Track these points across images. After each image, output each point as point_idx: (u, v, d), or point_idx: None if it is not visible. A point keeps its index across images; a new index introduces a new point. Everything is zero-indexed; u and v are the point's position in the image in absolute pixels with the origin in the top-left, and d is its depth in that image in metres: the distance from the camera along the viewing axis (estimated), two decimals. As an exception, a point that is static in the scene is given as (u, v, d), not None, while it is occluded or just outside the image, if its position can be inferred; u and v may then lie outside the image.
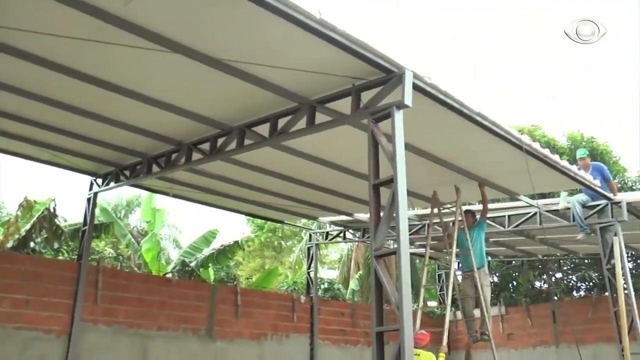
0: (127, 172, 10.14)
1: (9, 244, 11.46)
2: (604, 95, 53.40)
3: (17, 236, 11.57)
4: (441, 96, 6.62)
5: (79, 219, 13.28)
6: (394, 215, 5.80)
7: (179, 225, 24.74)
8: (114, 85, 7.17)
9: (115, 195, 25.30)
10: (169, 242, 21.34)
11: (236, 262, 22.52)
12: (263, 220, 27.27)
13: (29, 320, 9.42)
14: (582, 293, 17.75)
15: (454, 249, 9.39)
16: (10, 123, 8.56)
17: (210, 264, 13.86)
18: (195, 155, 8.80)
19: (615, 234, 9.96)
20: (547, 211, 10.80)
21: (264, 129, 7.77)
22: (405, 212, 5.74)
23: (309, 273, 14.34)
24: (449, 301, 9.00)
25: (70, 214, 14.48)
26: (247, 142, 8.03)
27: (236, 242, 14.44)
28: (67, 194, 25.35)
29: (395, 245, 5.63)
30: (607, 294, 10.47)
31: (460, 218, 9.63)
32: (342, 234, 14.22)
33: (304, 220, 16.43)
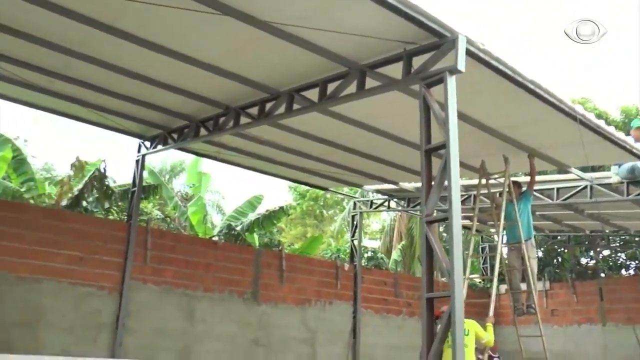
0: (174, 135, 10.27)
1: (63, 202, 11.81)
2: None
3: (70, 195, 11.90)
4: (494, 62, 6.47)
5: (127, 181, 13.60)
6: (445, 182, 5.76)
7: (222, 191, 25.08)
8: (163, 47, 7.23)
9: (160, 160, 25.72)
10: (212, 207, 21.64)
11: (278, 229, 22.75)
12: (305, 189, 27.52)
13: (83, 277, 9.75)
14: (631, 272, 17.38)
15: (502, 220, 9.25)
16: (61, 84, 8.73)
17: (255, 229, 14.03)
18: (243, 120, 8.84)
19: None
20: (599, 185, 10.53)
21: (312, 94, 7.74)
22: (457, 177, 5.68)
23: (352, 241, 14.38)
24: (496, 272, 8.89)
25: (119, 176, 14.83)
26: (295, 106, 8.03)
27: (281, 208, 14.56)
28: (115, 156, 25.98)
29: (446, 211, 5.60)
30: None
31: (508, 189, 9.47)
32: (386, 203, 14.17)
33: (346, 189, 16.45)
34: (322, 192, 28.45)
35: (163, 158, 25.87)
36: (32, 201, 12.09)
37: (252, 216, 14.36)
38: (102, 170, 11.84)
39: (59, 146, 39.83)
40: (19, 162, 12.61)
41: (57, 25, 6.90)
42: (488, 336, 7.65)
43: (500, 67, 6.56)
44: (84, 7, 6.49)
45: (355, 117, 8.78)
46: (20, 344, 8.93)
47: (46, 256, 9.50)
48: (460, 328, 5.26)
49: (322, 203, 30.79)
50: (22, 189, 12.49)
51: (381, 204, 14.33)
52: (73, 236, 9.83)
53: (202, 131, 9.61)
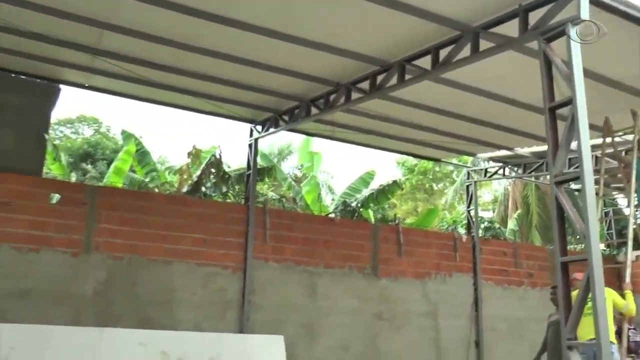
0: (285, 117, 10.43)
1: (184, 189, 12.38)
2: None
3: (189, 182, 12.45)
4: (622, 7, 6.04)
5: (240, 165, 14.05)
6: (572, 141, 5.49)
7: (330, 171, 25.27)
8: (271, 30, 7.35)
9: (267, 145, 26.22)
10: (321, 187, 21.85)
11: (390, 205, 22.66)
12: (413, 163, 27.24)
13: (208, 257, 10.19)
14: None
15: (633, 179, 8.70)
16: (174, 77, 9.13)
17: (370, 204, 14.05)
18: (354, 95, 8.83)
19: None
20: None
21: (424, 62, 7.60)
22: (587, 133, 5.38)
23: (468, 211, 14.07)
24: (630, 234, 8.39)
25: (231, 161, 15.29)
26: (407, 77, 7.91)
27: (395, 182, 14.49)
28: (225, 142, 26.80)
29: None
30: None
31: (638, 145, 8.86)
32: (501, 171, 13.75)
33: (457, 159, 16.10)
34: (431, 165, 28.14)
35: (270, 143, 26.42)
36: (156, 190, 12.75)
37: (365, 192, 14.40)
38: (218, 156, 12.28)
39: (168, 136, 41.63)
40: (141, 155, 13.38)
41: (166, 20, 7.20)
42: (628, 304, 7.20)
43: (630, 11, 6.10)
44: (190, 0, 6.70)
45: (467, 82, 8.55)
46: (158, 320, 9.50)
47: (173, 240, 10.00)
48: (600, 292, 5.00)
49: (431, 177, 30.37)
50: (147, 179, 13.25)
51: (495, 172, 13.91)
52: (196, 220, 10.27)
53: (313, 110, 9.70)
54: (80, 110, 29.79)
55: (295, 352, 10.15)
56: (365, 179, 14.63)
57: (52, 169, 13.03)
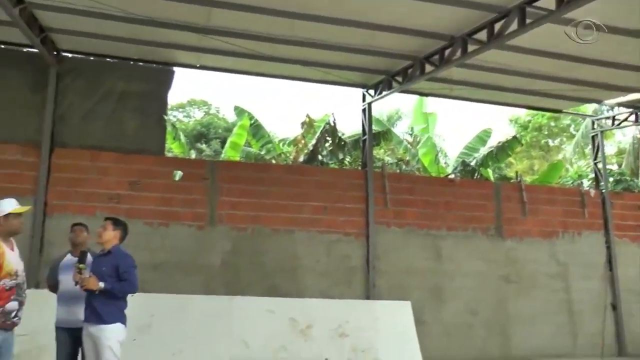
0: (398, 78, 10.15)
1: (300, 159, 12.44)
2: None
3: (305, 151, 12.48)
4: None
5: (354, 132, 13.91)
6: None
7: (441, 133, 24.59)
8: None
9: (377, 112, 25.90)
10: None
11: (506, 164, 21.80)
12: (526, 119, 25.99)
13: (330, 225, 10.22)
14: None
15: None
16: (283, 47, 9.13)
17: (489, 162, 13.48)
18: (471, 47, 8.42)
19: None
20: None
21: (547, 3, 7.06)
22: None
23: (595, 164, 13.19)
24: None
25: (343, 129, 15.15)
26: (528, 21, 7.39)
27: (514, 137, 13.87)
28: (334, 111, 26.81)
29: None
30: None
31: None
32: (632, 117, 12.67)
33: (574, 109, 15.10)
34: (545, 121, 26.76)
35: (379, 110, 26.07)
36: (273, 161, 12.91)
37: (483, 150, 13.84)
38: (332, 123, 12.20)
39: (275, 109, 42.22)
40: (256, 128, 13.58)
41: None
42: None
43: None
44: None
45: (594, 19, 7.84)
46: (284, 288, 9.68)
47: (294, 209, 10.11)
48: None
49: (546, 132, 28.89)
50: (262, 152, 13.42)
51: (625, 119, 12.87)
52: (315, 188, 10.30)
53: (427, 68, 9.36)
54: (190, 95, 30.87)
55: (423, 317, 10.00)
56: (482, 137, 14.05)
57: (173, 148, 13.50)
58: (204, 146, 21.66)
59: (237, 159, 12.99)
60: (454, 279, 10.73)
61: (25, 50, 9.53)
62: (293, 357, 8.61)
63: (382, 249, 10.39)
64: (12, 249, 4.67)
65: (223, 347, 8.51)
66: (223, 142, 20.60)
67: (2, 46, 9.54)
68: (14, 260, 4.61)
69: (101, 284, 4.83)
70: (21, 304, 4.61)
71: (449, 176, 13.05)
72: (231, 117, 26.17)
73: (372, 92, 11.07)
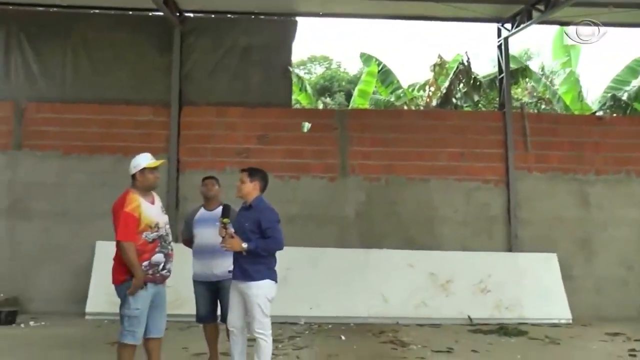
0: (539, 6, 9.18)
1: (433, 103, 11.83)
2: None
3: (438, 94, 11.85)
4: None
5: (487, 72, 13.00)
6: None
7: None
8: None
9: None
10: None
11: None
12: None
13: (467, 172, 9.64)
14: None
15: None
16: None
17: (645, 95, 12.03)
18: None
19: None
20: None
21: None
22: None
23: None
24: None
25: (476, 70, 14.20)
26: None
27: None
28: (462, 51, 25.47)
29: None
30: None
31: None
32: None
33: None
34: None
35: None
36: (405, 107, 12.39)
37: (635, 83, 12.40)
38: (466, 63, 11.43)
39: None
40: (384, 74, 13.06)
41: None
42: None
43: None
44: None
45: None
46: (421, 239, 9.31)
47: (429, 156, 9.63)
48: None
49: None
50: (392, 99, 12.90)
51: None
52: (450, 133, 9.73)
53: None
54: (311, 52, 30.74)
55: (571, 272, 9.28)
56: (634, 68, 12.55)
57: (299, 99, 13.32)
58: (328, 99, 21.52)
59: (366, 107, 12.56)
60: (605, 228, 9.77)
61: (150, 14, 9.75)
62: (434, 313, 8.34)
63: (524, 197, 9.67)
64: (153, 203, 4.70)
65: (360, 301, 8.40)
66: (347, 95, 20.38)
67: (131, 12, 9.82)
68: (153, 212, 4.63)
69: (244, 245, 4.57)
70: (167, 256, 4.65)
71: (597, 113, 11.84)
72: (353, 70, 25.90)
73: (508, 25, 10.17)
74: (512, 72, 11.25)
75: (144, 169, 4.64)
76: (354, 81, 19.80)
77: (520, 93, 15.00)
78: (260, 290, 4.62)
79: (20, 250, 9.07)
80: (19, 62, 9.59)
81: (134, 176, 4.66)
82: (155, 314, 4.69)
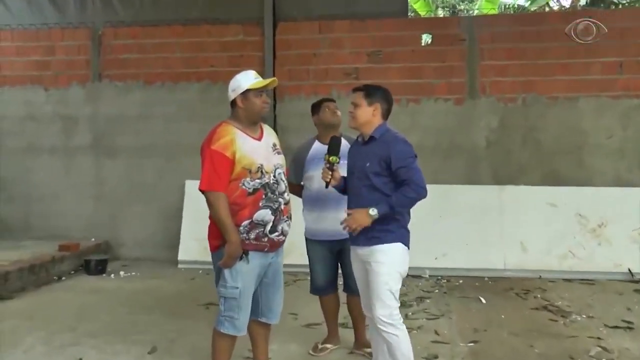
0: None
1: (581, 1, 9.85)
2: None
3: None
4: None
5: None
6: None
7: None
8: None
9: None
10: None
11: None
12: None
13: (626, 87, 7.81)
14: None
15: None
16: None
17: None
18: None
19: None
20: None
21: None
22: None
23: None
24: None
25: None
26: None
27: None
28: None
29: None
30: None
31: None
32: None
33: None
34: None
35: None
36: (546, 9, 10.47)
37: None
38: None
39: None
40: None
41: None
42: None
43: None
44: None
45: None
46: (567, 173, 7.81)
47: (577, 69, 7.92)
48: None
49: None
50: (526, 3, 10.87)
51: None
52: (604, 38, 7.82)
53: None
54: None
55: None
56: None
57: (416, 8, 11.63)
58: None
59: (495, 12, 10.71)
60: None
61: None
62: (583, 265, 7.05)
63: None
64: (260, 138, 3.50)
65: (495, 250, 7.27)
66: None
67: None
68: (257, 151, 3.41)
69: (372, 212, 3.25)
70: (278, 212, 3.39)
71: None
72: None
73: None
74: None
75: (247, 91, 3.43)
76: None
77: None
78: (389, 257, 3.32)
79: (105, 189, 8.69)
80: (92, -18, 8.77)
81: (233, 103, 3.47)
82: (268, 293, 3.57)
